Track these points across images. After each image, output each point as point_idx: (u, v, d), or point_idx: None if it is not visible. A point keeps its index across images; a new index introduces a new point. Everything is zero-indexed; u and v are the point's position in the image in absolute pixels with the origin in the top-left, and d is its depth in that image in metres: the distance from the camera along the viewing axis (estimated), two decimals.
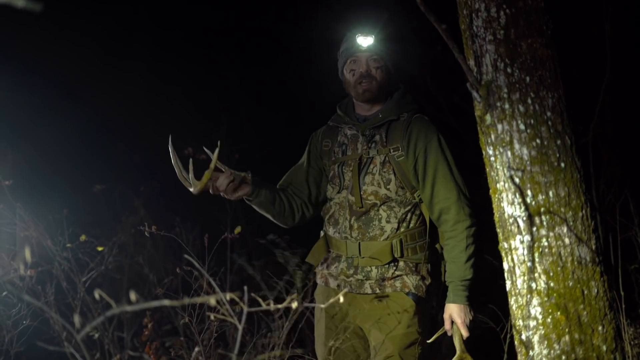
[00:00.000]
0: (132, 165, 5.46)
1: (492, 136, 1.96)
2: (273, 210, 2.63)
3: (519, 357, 1.97)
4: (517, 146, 1.92)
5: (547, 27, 1.94)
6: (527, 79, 1.91)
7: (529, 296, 1.91)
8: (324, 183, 2.70)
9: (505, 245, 1.97)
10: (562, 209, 1.90)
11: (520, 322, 1.95)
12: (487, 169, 2.01)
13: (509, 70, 1.91)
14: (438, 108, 5.29)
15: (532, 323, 1.92)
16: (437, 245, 2.59)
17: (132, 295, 1.38)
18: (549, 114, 1.91)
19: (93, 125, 5.24)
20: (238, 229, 3.26)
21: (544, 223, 1.89)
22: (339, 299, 1.92)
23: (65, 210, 3.46)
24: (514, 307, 1.98)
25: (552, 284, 1.89)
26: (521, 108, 1.91)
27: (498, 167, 1.96)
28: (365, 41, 2.53)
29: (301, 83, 5.36)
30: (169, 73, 5.55)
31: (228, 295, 1.53)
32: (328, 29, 2.85)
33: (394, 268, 2.52)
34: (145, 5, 5.49)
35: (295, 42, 5.48)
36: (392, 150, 2.53)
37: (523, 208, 1.91)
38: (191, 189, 2.47)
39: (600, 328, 1.90)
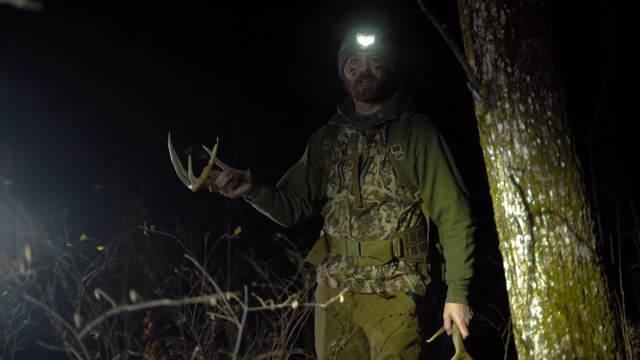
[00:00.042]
0: (132, 164, 5.46)
1: (493, 136, 1.96)
2: (272, 209, 2.63)
3: (519, 357, 1.97)
4: (517, 146, 1.92)
5: (547, 27, 1.94)
6: (528, 78, 1.91)
7: (529, 296, 1.91)
8: (324, 182, 2.70)
9: (506, 244, 1.97)
10: (563, 209, 1.90)
11: (521, 322, 1.95)
12: (488, 169, 2.01)
13: (509, 69, 1.91)
14: (438, 107, 5.30)
15: (533, 323, 1.92)
16: (437, 245, 2.59)
17: (133, 295, 1.38)
18: (549, 113, 1.91)
19: (93, 124, 5.24)
20: (238, 230, 3.25)
21: (545, 223, 1.89)
22: (339, 299, 1.92)
23: (66, 210, 3.46)
24: (514, 307, 1.98)
25: (552, 284, 1.89)
26: (521, 107, 1.91)
27: (498, 166, 1.96)
28: (365, 41, 2.53)
29: (301, 82, 5.36)
30: (169, 72, 5.55)
31: (228, 295, 1.53)
32: (328, 29, 2.85)
33: (394, 268, 2.52)
34: (145, 4, 5.49)
35: (296, 41, 5.48)
36: (392, 150, 2.53)
37: (523, 208, 1.91)
38: (190, 186, 2.47)
39: (600, 328, 1.90)
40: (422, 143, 2.51)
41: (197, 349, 2.84)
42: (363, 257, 2.52)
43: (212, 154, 2.41)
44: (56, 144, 5.04)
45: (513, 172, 1.91)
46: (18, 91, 4.57)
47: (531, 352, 1.92)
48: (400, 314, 2.50)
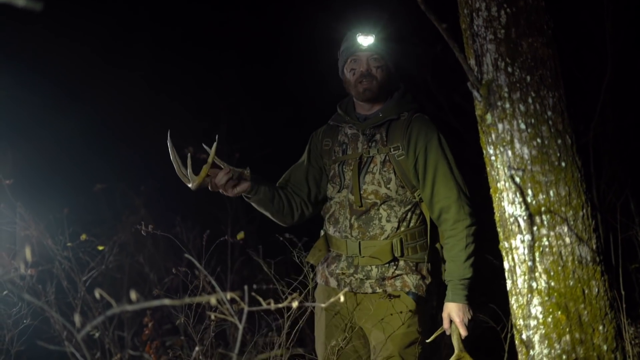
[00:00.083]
0: (132, 164, 5.46)
1: (493, 135, 1.96)
2: (272, 208, 2.63)
3: (519, 357, 1.97)
4: (517, 145, 1.91)
5: (547, 27, 1.94)
6: (528, 78, 1.91)
7: (529, 295, 1.91)
8: (324, 182, 2.70)
9: (506, 244, 1.97)
10: (563, 209, 1.90)
11: (521, 322, 1.95)
12: (488, 168, 2.01)
13: (509, 69, 1.91)
14: (438, 107, 5.30)
15: (533, 322, 1.92)
16: (438, 245, 2.59)
17: (133, 295, 1.38)
18: (549, 113, 1.91)
19: (93, 124, 5.24)
20: (241, 235, 3.24)
21: (545, 222, 1.89)
22: (339, 298, 1.92)
23: (66, 209, 3.46)
24: (514, 307, 1.98)
25: (552, 284, 1.89)
26: (522, 107, 1.91)
27: (499, 166, 1.96)
28: (365, 40, 2.53)
29: (301, 82, 5.37)
30: (169, 72, 5.56)
31: (229, 295, 1.53)
32: (328, 29, 2.85)
33: (394, 267, 2.52)
34: (146, 4, 5.48)
35: (296, 41, 5.48)
36: (392, 150, 2.53)
37: (524, 207, 1.91)
38: (189, 185, 2.47)
39: (600, 327, 1.90)
40: (422, 142, 2.51)
41: (197, 348, 2.84)
42: (363, 256, 2.52)
43: (212, 152, 2.41)
44: (56, 143, 5.04)
45: (513, 171, 1.91)
46: (18, 90, 4.57)
47: (531, 352, 1.92)
48: (401, 314, 2.50)
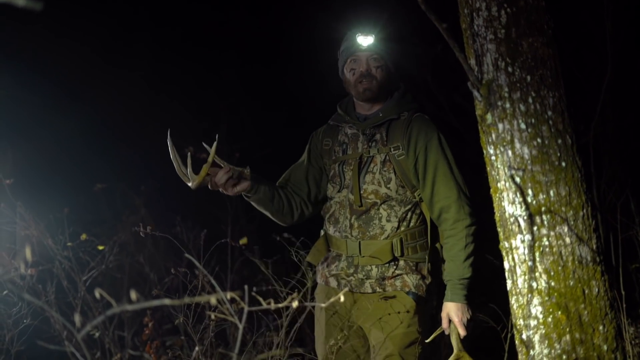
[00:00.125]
0: (132, 164, 5.46)
1: (493, 135, 1.95)
2: (272, 207, 2.63)
3: (519, 357, 1.97)
4: (517, 145, 1.91)
5: (548, 26, 1.94)
6: (528, 78, 1.91)
7: (529, 295, 1.91)
8: (324, 182, 2.70)
9: (506, 244, 1.97)
10: (563, 208, 1.90)
11: (521, 322, 1.95)
12: (488, 168, 2.01)
13: (509, 69, 1.91)
14: (439, 107, 5.30)
15: (533, 322, 1.92)
16: (438, 245, 2.59)
17: (133, 295, 1.38)
18: (549, 113, 1.91)
19: (94, 124, 5.24)
20: (244, 240, 3.24)
21: (545, 222, 1.89)
22: (339, 298, 1.92)
23: (66, 209, 3.46)
24: (514, 307, 1.97)
25: (552, 284, 1.89)
26: (522, 107, 1.91)
27: (499, 166, 1.96)
28: (365, 40, 2.53)
29: (301, 82, 5.37)
30: (169, 72, 5.56)
31: (229, 294, 1.53)
32: (328, 29, 2.85)
33: (394, 267, 2.52)
34: (146, 4, 5.49)
35: (296, 41, 5.48)
36: (392, 149, 2.53)
37: (524, 207, 1.91)
38: (189, 184, 2.47)
39: (601, 327, 1.90)
40: (423, 142, 2.51)
41: (197, 348, 2.84)
42: (363, 256, 2.52)
43: (212, 151, 2.42)
44: (56, 143, 5.04)
45: (513, 171, 1.91)
46: (18, 90, 4.57)
47: (531, 352, 1.92)
48: (400, 314, 2.50)
